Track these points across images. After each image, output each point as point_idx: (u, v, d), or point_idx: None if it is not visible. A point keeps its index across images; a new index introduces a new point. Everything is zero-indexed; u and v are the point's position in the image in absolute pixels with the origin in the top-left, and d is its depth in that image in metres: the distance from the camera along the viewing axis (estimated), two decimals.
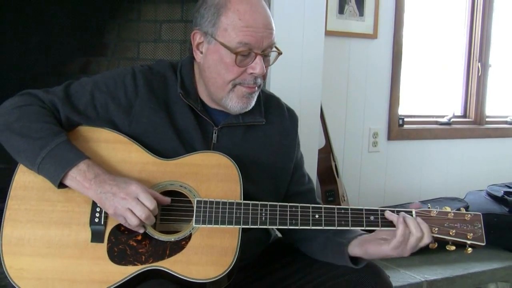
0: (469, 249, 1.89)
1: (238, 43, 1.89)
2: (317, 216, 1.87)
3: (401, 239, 1.83)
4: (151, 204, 1.78)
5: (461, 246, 1.89)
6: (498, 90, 4.71)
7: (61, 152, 1.83)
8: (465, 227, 1.88)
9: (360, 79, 3.88)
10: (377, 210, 1.89)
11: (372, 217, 1.88)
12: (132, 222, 1.79)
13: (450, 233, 1.87)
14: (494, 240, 3.35)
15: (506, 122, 4.74)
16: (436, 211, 1.89)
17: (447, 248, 1.89)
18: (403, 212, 1.87)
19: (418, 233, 1.83)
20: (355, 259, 1.95)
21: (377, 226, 1.88)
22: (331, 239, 2.00)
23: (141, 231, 1.83)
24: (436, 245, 1.88)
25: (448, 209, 1.90)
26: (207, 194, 1.88)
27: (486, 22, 4.48)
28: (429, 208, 1.90)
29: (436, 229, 1.87)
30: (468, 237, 1.87)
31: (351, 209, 1.88)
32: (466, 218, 1.89)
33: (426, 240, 1.85)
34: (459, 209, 1.91)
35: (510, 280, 3.48)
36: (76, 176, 1.81)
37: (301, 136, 2.21)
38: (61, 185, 1.83)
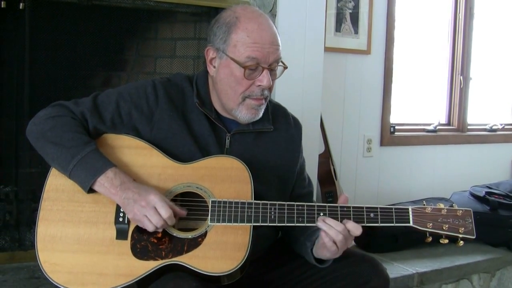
0: (461, 242, 1.87)
1: (247, 57, 1.88)
2: (321, 214, 1.85)
3: (333, 248, 1.82)
4: (166, 213, 1.76)
5: (453, 239, 1.87)
6: (478, 101, 4.70)
7: (90, 160, 1.81)
8: (457, 222, 1.86)
9: (355, 91, 3.87)
10: (376, 208, 1.86)
11: (372, 214, 1.85)
12: (148, 228, 1.78)
13: (444, 228, 1.85)
14: (477, 236, 3.32)
15: (485, 130, 4.72)
16: (431, 208, 1.87)
17: (440, 242, 1.87)
18: (319, 223, 1.82)
19: (339, 236, 1.80)
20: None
21: (377, 222, 1.85)
22: (303, 242, 1.98)
23: (158, 230, 1.81)
24: (430, 239, 1.86)
25: (441, 205, 1.87)
26: (221, 195, 1.86)
27: (467, 40, 4.48)
28: (424, 205, 1.88)
29: (431, 224, 1.85)
30: (460, 231, 1.85)
31: (353, 207, 1.86)
32: (458, 213, 1.87)
33: (356, 233, 1.82)
34: (451, 206, 1.89)
35: (491, 271, 3.48)
36: (104, 183, 1.80)
37: (303, 143, 2.19)
38: (90, 190, 1.82)
